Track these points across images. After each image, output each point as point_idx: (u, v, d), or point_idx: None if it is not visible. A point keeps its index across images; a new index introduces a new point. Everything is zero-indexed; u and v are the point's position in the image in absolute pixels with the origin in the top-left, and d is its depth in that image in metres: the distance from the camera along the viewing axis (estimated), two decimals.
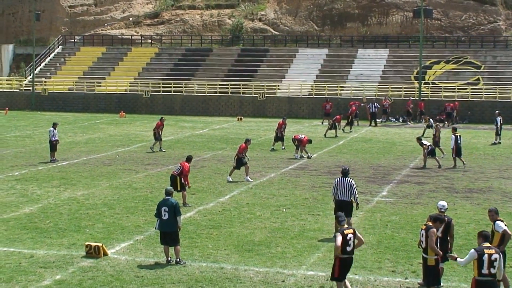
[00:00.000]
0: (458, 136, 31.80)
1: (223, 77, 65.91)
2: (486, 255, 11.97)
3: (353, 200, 18.55)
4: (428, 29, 70.53)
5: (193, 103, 63.01)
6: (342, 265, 13.42)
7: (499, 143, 41.03)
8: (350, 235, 13.46)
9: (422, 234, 13.79)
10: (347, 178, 18.61)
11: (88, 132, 46.18)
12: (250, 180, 27.47)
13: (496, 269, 12.02)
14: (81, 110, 64.51)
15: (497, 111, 44.61)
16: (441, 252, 13.72)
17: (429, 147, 32.08)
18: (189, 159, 23.76)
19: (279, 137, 37.74)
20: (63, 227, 19.69)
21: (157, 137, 37.01)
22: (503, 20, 71.61)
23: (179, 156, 34.21)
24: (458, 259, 12.70)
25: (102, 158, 34.08)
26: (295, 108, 60.84)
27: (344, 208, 18.33)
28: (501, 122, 41.85)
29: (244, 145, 28.25)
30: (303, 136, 34.86)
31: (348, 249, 13.42)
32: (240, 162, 27.78)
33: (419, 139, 32.99)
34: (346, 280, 13.73)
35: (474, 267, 12.14)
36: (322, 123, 53.03)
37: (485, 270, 11.97)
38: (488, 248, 12.10)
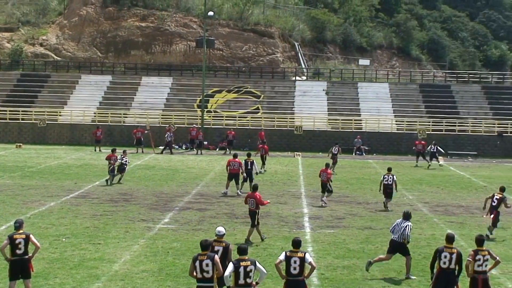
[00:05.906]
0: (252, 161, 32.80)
1: (1, 102, 62.88)
2: (242, 267, 13.19)
3: (405, 240, 18.42)
4: (211, 59, 72.44)
5: None
6: None
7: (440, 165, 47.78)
8: (20, 240, 14.84)
9: (207, 264, 13.52)
10: (407, 222, 18.42)
11: None
12: None
13: (252, 279, 13.24)
14: None
15: (433, 142, 49.49)
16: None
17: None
18: None
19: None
20: None
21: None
22: (280, 52, 75.41)
23: None
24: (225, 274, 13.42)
25: None
26: (78, 135, 59.51)
27: (397, 249, 18.55)
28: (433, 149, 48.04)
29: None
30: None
31: None
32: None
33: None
34: None
35: (233, 279, 13.12)
36: (95, 150, 52.11)
37: (241, 281, 13.16)
38: (243, 260, 13.28)
